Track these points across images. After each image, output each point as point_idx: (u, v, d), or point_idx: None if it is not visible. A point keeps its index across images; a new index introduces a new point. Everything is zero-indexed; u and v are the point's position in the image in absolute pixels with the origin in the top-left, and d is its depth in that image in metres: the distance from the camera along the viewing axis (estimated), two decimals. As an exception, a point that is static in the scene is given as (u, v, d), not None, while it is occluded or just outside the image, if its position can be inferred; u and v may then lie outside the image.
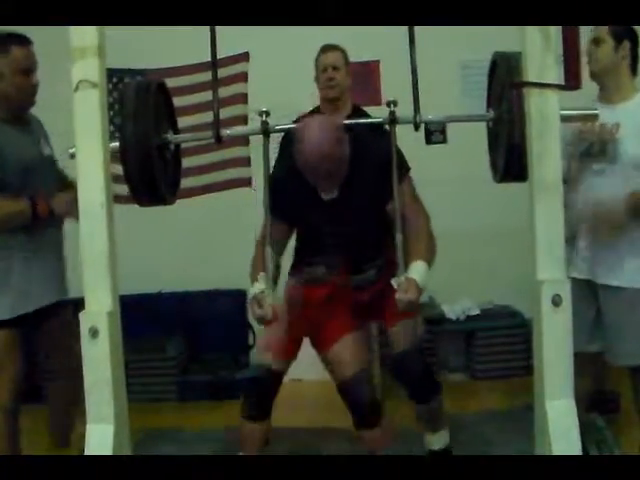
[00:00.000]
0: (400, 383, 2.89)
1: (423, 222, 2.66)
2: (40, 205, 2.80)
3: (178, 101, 4.05)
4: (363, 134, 2.72)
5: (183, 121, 3.97)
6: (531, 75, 1.97)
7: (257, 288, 2.56)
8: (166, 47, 4.31)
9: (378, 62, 3.72)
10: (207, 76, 4.06)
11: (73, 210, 2.55)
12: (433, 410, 2.93)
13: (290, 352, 2.89)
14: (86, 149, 2.19)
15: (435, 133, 3.16)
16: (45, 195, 2.83)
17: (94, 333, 2.13)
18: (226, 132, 2.51)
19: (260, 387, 2.88)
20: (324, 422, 4.02)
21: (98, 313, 2.15)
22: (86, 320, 2.15)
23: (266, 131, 2.45)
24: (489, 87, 2.48)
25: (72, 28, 2.20)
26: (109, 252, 2.19)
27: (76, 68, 2.19)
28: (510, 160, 2.22)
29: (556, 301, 1.98)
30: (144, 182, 2.31)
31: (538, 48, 1.95)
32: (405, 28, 2.66)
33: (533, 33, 1.95)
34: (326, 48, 3.53)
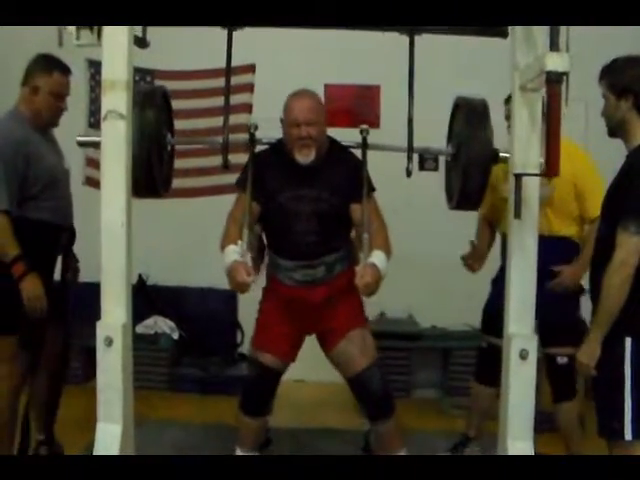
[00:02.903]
0: (360, 401, 3.02)
1: (384, 228, 2.90)
2: (18, 266, 2.94)
3: (183, 104, 4.26)
4: (341, 155, 3.01)
5: (187, 124, 4.20)
6: (517, 152, 2.21)
7: (230, 258, 2.66)
8: (175, 48, 4.43)
9: (379, 87, 3.89)
10: (213, 82, 4.32)
11: (36, 301, 2.93)
12: (393, 429, 3.03)
13: (287, 353, 3.03)
14: (111, 173, 2.41)
15: (428, 161, 3.32)
16: (30, 268, 2.96)
17: (109, 342, 2.36)
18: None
19: (256, 385, 3.02)
20: (326, 422, 4.19)
21: (113, 325, 2.38)
22: (102, 330, 2.38)
23: (252, 141, 2.97)
24: (450, 126, 2.79)
25: (105, 61, 2.41)
26: (126, 268, 2.41)
27: (106, 99, 2.40)
28: (465, 191, 2.61)
29: (523, 355, 2.23)
30: (143, 177, 2.63)
31: (526, 126, 2.18)
32: (406, 58, 2.93)
33: (521, 111, 2.18)
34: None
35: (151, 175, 2.66)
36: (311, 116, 2.84)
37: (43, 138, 3.15)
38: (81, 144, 2.63)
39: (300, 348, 3.10)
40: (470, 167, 2.53)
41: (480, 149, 2.52)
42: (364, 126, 2.96)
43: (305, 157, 2.85)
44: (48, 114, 3.13)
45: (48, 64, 3.11)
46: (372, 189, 2.95)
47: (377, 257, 2.67)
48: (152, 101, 2.69)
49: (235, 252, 2.67)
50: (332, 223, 2.93)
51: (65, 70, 3.16)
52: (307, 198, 2.91)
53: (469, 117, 2.60)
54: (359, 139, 2.99)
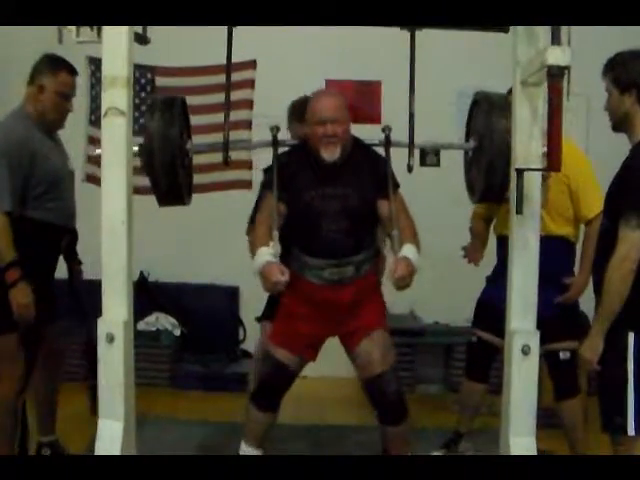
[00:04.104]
0: (374, 404, 2.98)
1: (412, 223, 2.91)
2: (11, 273, 2.89)
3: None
4: (364, 152, 3.01)
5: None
6: (519, 147, 2.20)
7: (263, 259, 2.69)
8: (175, 44, 4.42)
9: (380, 82, 3.87)
10: (214, 79, 4.31)
11: (23, 310, 2.88)
12: (403, 433, 3.00)
13: (306, 352, 3.01)
14: (111, 170, 2.41)
15: (429, 156, 3.33)
16: (23, 275, 2.91)
17: (110, 339, 2.36)
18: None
19: (271, 381, 3.00)
20: (328, 419, 4.20)
21: (115, 321, 2.38)
22: (103, 327, 2.38)
23: (275, 143, 2.94)
24: (469, 121, 2.79)
25: (105, 58, 2.40)
26: (127, 266, 2.41)
27: (107, 95, 2.39)
28: (489, 184, 2.63)
29: (525, 351, 2.23)
30: (169, 187, 2.64)
31: (527, 121, 2.17)
32: (407, 53, 2.93)
33: (522, 106, 2.18)
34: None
35: (177, 184, 2.64)
36: (336, 114, 2.86)
37: (48, 139, 3.11)
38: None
39: (320, 349, 3.08)
40: (495, 160, 2.57)
41: (503, 142, 2.55)
42: (387, 125, 2.97)
43: (331, 155, 2.85)
44: (53, 114, 3.09)
45: (55, 64, 3.08)
46: (397, 185, 2.97)
47: (409, 250, 2.70)
48: (173, 109, 2.65)
49: (267, 253, 2.70)
50: (359, 221, 2.94)
51: (71, 70, 3.13)
52: (333, 196, 2.92)
53: (490, 111, 2.64)
54: (362, 135, 3.00)
